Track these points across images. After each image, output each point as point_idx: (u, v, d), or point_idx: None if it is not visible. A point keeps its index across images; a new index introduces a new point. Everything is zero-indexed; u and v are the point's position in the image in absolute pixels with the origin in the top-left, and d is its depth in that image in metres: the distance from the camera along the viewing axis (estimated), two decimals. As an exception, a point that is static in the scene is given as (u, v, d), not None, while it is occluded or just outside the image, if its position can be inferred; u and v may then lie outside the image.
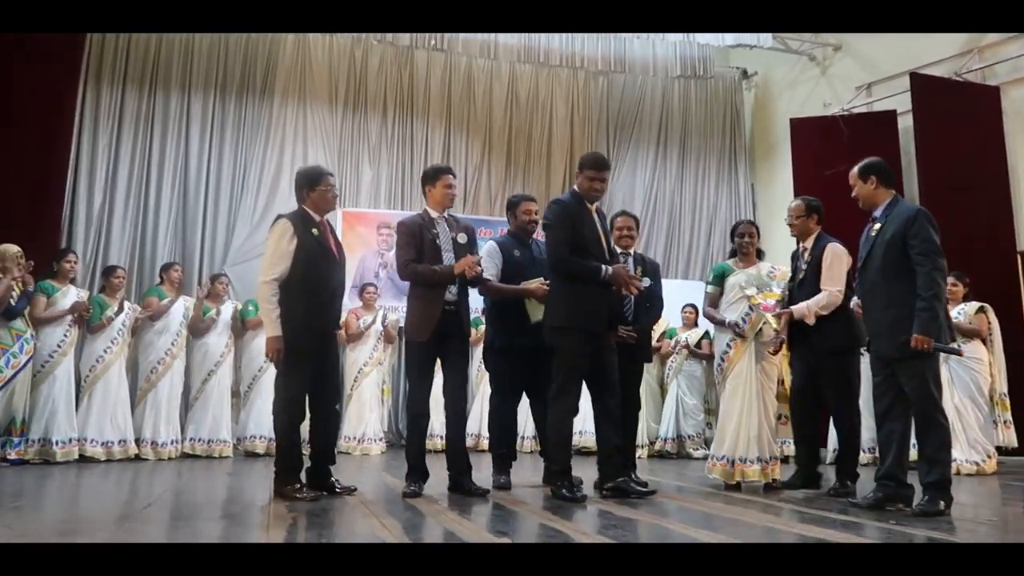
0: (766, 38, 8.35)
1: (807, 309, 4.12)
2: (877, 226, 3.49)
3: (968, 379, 5.62)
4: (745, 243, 4.44)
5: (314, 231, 3.68)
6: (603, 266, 3.73)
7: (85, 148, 7.18)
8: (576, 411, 3.82)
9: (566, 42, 8.74)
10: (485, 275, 4.04)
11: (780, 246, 7.72)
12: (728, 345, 4.27)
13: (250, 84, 7.83)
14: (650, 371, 6.96)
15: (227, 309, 6.27)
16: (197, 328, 6.09)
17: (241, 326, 6.29)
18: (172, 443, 5.83)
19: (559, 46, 8.71)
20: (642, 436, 6.94)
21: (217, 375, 6.09)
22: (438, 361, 3.91)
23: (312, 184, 3.72)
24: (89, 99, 7.24)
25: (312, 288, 3.60)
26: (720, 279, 4.45)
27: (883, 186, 3.55)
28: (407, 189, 8.17)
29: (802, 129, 8.02)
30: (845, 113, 7.98)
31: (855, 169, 3.65)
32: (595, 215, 3.90)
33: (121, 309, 5.68)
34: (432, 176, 3.97)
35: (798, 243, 4.45)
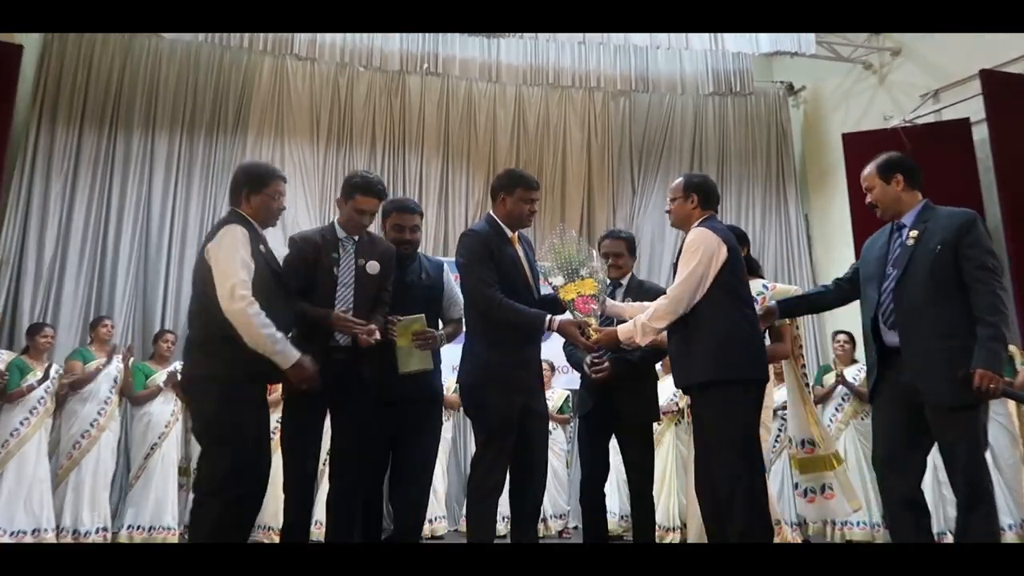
0: (809, 44, 7.78)
1: (635, 328, 3.10)
2: (913, 234, 2.97)
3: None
4: None
5: (262, 248, 3.08)
6: (547, 315, 3.23)
7: (37, 194, 6.98)
8: (501, 488, 3.26)
9: (579, 59, 8.36)
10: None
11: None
12: None
13: (221, 120, 7.61)
14: (680, 436, 6.26)
15: (174, 370, 5.85)
16: (136, 396, 5.72)
17: (190, 391, 5.85)
18: (98, 531, 5.36)
19: (571, 64, 8.33)
20: (672, 517, 6.21)
21: (162, 449, 5.68)
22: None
23: (257, 185, 3.08)
24: (43, 141, 7.07)
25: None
26: None
27: (910, 187, 3.06)
28: (400, 231, 7.79)
29: (856, 146, 7.36)
30: (908, 124, 7.33)
31: (871, 167, 3.11)
32: (519, 245, 3.44)
33: (46, 376, 5.33)
34: (348, 191, 3.39)
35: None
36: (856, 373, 6.13)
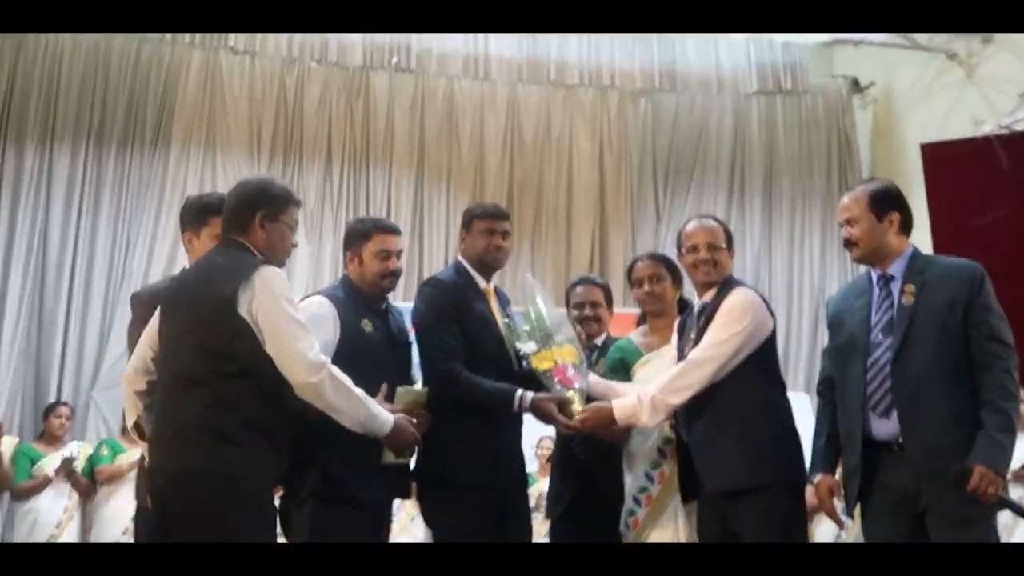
0: (878, 30, 7.81)
1: (639, 403, 3.04)
2: (910, 289, 2.95)
3: None
4: (648, 296, 3.55)
5: None
6: (517, 391, 3.19)
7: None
8: None
9: (589, 51, 8.38)
10: None
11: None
12: (636, 497, 3.38)
13: (138, 129, 7.62)
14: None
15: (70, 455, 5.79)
16: (18, 489, 5.70)
17: (89, 481, 5.82)
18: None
19: (579, 57, 8.35)
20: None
21: (52, 555, 5.58)
22: None
23: (276, 210, 2.91)
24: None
25: (292, 405, 2.86)
26: (620, 370, 3.55)
27: (902, 232, 3.06)
28: (362, 269, 7.79)
29: (939, 159, 7.36)
30: (1004, 131, 7.30)
31: (860, 194, 3.06)
32: (493, 297, 3.44)
33: None
34: (200, 213, 3.23)
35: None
36: None
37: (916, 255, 3.05)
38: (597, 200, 8.38)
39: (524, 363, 3.30)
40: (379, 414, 2.89)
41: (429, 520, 3.42)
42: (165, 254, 7.43)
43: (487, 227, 3.41)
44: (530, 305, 3.36)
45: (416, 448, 3.22)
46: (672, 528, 3.31)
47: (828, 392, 3.16)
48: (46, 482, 5.71)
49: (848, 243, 3.09)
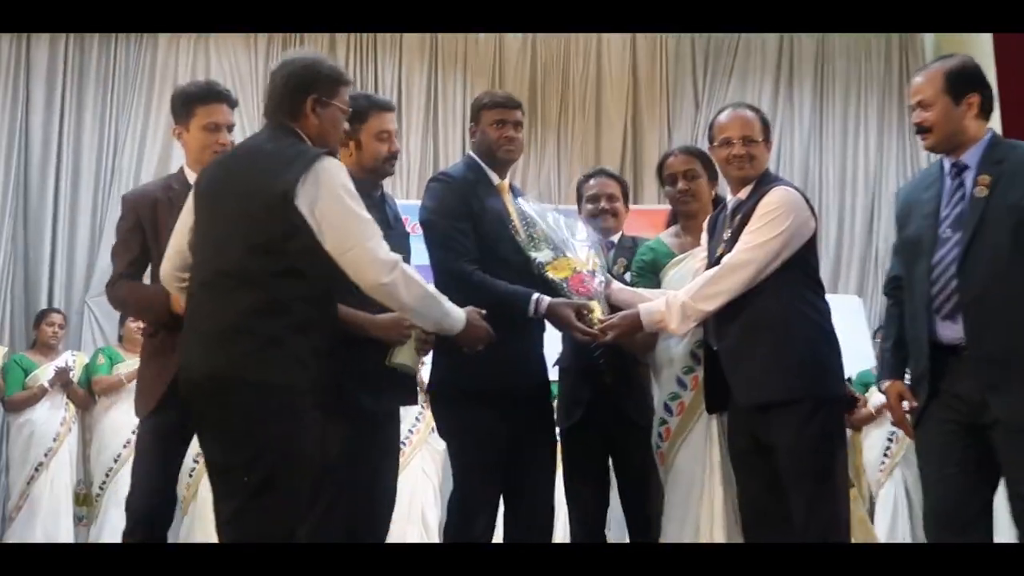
0: None
1: (667, 309, 3.07)
2: (985, 180, 2.88)
3: None
4: (683, 194, 3.53)
5: None
6: (533, 294, 3.21)
7: None
8: (489, 533, 3.34)
9: (621, -79, 8.21)
10: None
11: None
12: (667, 405, 3.39)
13: (123, 13, 7.59)
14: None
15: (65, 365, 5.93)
16: (12, 400, 5.83)
17: (87, 392, 5.96)
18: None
19: (609, -72, 8.18)
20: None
21: (49, 470, 5.77)
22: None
23: (331, 90, 2.87)
24: None
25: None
26: (649, 272, 3.57)
27: (982, 115, 2.97)
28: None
29: (1012, 45, 7.23)
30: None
31: (935, 73, 2.97)
32: (508, 194, 3.46)
33: None
34: (185, 104, 3.22)
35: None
36: None
37: (996, 142, 2.99)
38: (628, 90, 8.28)
39: (542, 273, 3.31)
40: (452, 311, 2.90)
41: (444, 433, 3.52)
42: (157, 151, 7.49)
43: (497, 117, 3.42)
44: (543, 213, 3.38)
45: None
46: (704, 438, 3.33)
47: (896, 292, 3.15)
48: (41, 393, 5.84)
49: (920, 129, 3.02)
